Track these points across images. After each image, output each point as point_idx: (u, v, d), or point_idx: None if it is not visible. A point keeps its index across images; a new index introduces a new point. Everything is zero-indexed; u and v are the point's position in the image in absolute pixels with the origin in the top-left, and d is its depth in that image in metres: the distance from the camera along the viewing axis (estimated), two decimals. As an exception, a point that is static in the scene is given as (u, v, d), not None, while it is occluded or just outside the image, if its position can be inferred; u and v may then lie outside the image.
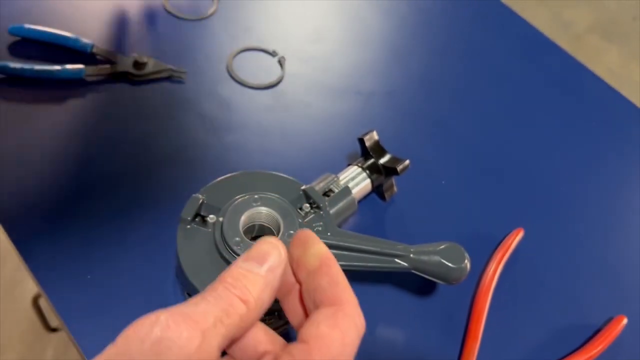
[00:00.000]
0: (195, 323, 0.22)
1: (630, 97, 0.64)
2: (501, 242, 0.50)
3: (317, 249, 0.27)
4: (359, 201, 0.50)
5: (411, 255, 0.41)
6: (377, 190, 0.51)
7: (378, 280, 0.47)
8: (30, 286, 1.15)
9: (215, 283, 0.25)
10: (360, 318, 0.26)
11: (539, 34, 0.69)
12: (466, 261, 0.41)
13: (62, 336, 1.12)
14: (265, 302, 0.25)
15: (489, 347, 0.44)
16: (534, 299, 0.48)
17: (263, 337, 0.26)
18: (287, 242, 0.32)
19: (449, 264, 0.41)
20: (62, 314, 0.41)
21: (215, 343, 0.23)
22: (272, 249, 0.26)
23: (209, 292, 0.24)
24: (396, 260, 0.41)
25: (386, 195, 0.51)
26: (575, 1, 2.22)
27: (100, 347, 0.23)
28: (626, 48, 2.06)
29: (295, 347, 0.24)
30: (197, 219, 0.40)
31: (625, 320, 0.47)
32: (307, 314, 0.27)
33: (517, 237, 0.50)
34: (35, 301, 0.69)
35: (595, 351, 0.45)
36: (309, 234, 0.28)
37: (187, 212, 0.40)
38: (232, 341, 0.24)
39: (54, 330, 0.73)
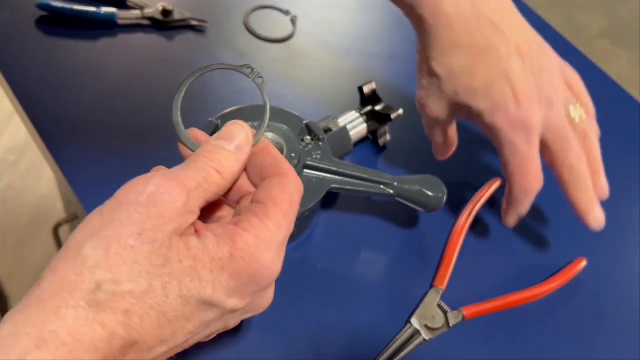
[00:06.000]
0: (183, 184, 0.28)
1: None
2: (479, 189, 0.56)
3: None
4: (355, 144, 0.56)
5: (395, 183, 0.47)
6: (372, 136, 0.57)
7: (366, 212, 0.53)
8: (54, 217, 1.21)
9: (195, 156, 0.30)
10: (300, 184, 0.32)
11: (549, 29, 0.74)
12: (443, 191, 0.47)
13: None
14: (235, 174, 0.31)
15: (460, 273, 0.50)
16: (505, 240, 0.54)
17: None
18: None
19: (428, 192, 0.47)
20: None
21: (196, 202, 0.28)
22: (239, 130, 0.31)
23: (191, 162, 0.30)
24: (382, 187, 0.47)
25: (380, 141, 0.57)
26: (588, 6, 2.26)
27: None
28: (636, 54, 2.09)
29: (254, 206, 0.30)
30: None
31: (584, 262, 0.52)
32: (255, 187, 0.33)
33: (493, 185, 0.56)
34: (56, 230, 0.75)
35: (552, 285, 0.51)
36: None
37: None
38: (208, 203, 0.30)
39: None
